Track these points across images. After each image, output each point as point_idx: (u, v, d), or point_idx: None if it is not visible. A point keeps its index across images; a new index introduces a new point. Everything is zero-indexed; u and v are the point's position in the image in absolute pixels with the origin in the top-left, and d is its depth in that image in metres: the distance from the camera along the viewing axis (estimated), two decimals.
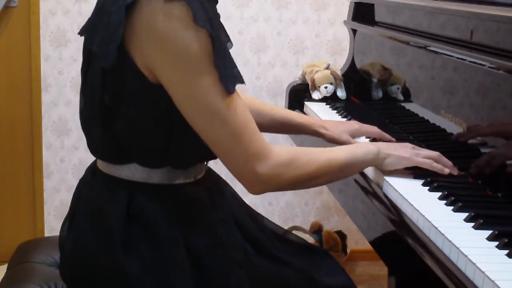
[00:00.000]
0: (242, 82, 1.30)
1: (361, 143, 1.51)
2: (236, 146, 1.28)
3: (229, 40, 1.43)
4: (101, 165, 1.40)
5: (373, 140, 1.76)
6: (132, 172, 1.35)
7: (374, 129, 1.77)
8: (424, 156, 1.51)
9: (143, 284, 1.31)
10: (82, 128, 1.41)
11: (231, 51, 1.33)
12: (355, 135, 1.75)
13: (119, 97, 1.29)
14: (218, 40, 1.25)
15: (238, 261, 1.40)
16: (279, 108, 1.79)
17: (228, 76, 1.26)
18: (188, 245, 1.34)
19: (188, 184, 1.38)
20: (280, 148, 1.34)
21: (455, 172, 1.52)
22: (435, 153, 1.53)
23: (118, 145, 1.33)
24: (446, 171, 1.49)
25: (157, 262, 1.32)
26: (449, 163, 1.52)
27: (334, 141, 1.73)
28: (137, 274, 1.31)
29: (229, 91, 1.25)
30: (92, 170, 1.44)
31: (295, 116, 1.78)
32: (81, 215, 1.41)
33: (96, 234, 1.35)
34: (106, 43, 1.26)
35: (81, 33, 1.38)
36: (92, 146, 1.41)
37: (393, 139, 1.76)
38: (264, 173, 1.30)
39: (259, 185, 1.32)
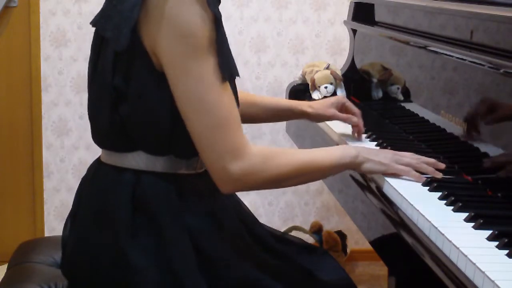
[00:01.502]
0: (237, 75, 1.33)
1: (342, 146, 1.50)
2: (215, 140, 1.29)
3: None
4: (105, 156, 1.41)
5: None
6: (136, 160, 1.36)
7: (356, 109, 1.82)
8: (404, 163, 1.49)
9: (147, 275, 1.32)
10: (89, 118, 1.43)
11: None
12: (339, 107, 1.81)
13: (128, 81, 1.32)
14: (222, 28, 1.28)
15: (241, 252, 1.41)
16: (267, 97, 1.90)
17: (225, 64, 1.28)
18: (191, 234, 1.35)
19: (190, 175, 1.39)
20: (258, 149, 1.34)
21: (439, 175, 1.50)
22: (415, 160, 1.50)
23: (124, 131, 1.35)
24: (423, 179, 1.47)
25: (160, 252, 1.33)
26: (430, 168, 1.49)
27: (320, 117, 1.82)
28: (140, 265, 1.32)
29: (224, 80, 1.28)
30: (94, 166, 1.45)
31: (283, 101, 1.87)
32: (84, 210, 1.42)
33: (99, 226, 1.37)
34: (119, 27, 1.28)
35: (93, 23, 1.39)
36: (98, 135, 1.42)
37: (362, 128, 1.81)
38: (235, 173, 1.30)
39: (229, 184, 1.33)
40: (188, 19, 1.24)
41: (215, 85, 1.27)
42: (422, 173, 1.49)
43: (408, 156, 1.51)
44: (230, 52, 1.32)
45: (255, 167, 1.32)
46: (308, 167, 1.41)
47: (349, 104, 1.83)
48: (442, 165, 1.52)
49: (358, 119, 1.81)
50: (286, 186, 1.46)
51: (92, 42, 1.40)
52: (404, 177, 1.50)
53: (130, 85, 1.32)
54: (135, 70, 1.31)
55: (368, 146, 1.74)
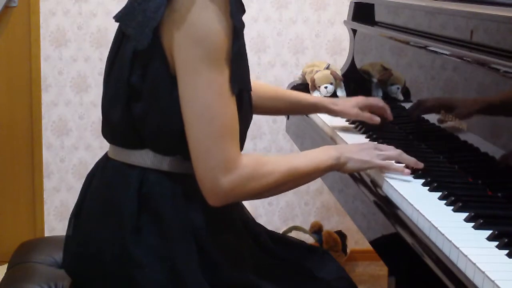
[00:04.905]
0: (247, 89, 1.34)
1: (324, 148, 1.50)
2: (212, 149, 1.28)
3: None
4: (113, 152, 1.42)
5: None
6: (143, 158, 1.37)
7: (378, 102, 1.92)
8: (385, 157, 1.51)
9: (149, 271, 1.33)
10: (102, 112, 1.43)
11: None
12: (361, 107, 1.88)
13: (144, 79, 1.32)
14: (241, 40, 1.28)
15: (244, 253, 1.42)
16: (291, 91, 2.01)
17: (236, 78, 1.28)
18: (195, 234, 1.35)
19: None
20: (247, 160, 1.33)
21: (421, 165, 1.52)
22: (395, 153, 1.52)
23: (135, 129, 1.35)
24: (407, 171, 1.49)
25: (164, 249, 1.33)
26: (412, 159, 1.52)
27: (345, 115, 1.89)
28: (143, 261, 1.32)
29: (232, 93, 1.28)
30: (103, 161, 1.46)
31: (307, 97, 1.93)
32: (90, 203, 1.42)
33: (105, 220, 1.37)
34: (142, 26, 1.29)
35: (116, 18, 1.39)
36: (108, 130, 1.43)
37: (391, 117, 1.91)
38: (224, 186, 1.30)
39: (218, 196, 1.32)
40: (208, 25, 1.25)
41: (222, 96, 1.27)
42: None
43: (389, 149, 1.54)
44: (246, 66, 1.33)
45: (244, 180, 1.32)
46: (294, 173, 1.40)
47: (369, 101, 1.91)
48: (421, 165, 1.53)
49: (385, 113, 1.91)
50: (277, 194, 1.46)
51: (115, 35, 1.41)
52: (403, 177, 1.50)
53: (145, 84, 1.32)
54: (151, 70, 1.31)
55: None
